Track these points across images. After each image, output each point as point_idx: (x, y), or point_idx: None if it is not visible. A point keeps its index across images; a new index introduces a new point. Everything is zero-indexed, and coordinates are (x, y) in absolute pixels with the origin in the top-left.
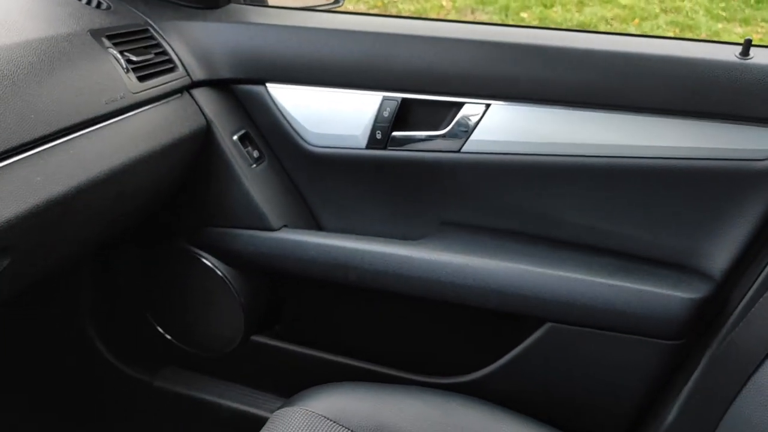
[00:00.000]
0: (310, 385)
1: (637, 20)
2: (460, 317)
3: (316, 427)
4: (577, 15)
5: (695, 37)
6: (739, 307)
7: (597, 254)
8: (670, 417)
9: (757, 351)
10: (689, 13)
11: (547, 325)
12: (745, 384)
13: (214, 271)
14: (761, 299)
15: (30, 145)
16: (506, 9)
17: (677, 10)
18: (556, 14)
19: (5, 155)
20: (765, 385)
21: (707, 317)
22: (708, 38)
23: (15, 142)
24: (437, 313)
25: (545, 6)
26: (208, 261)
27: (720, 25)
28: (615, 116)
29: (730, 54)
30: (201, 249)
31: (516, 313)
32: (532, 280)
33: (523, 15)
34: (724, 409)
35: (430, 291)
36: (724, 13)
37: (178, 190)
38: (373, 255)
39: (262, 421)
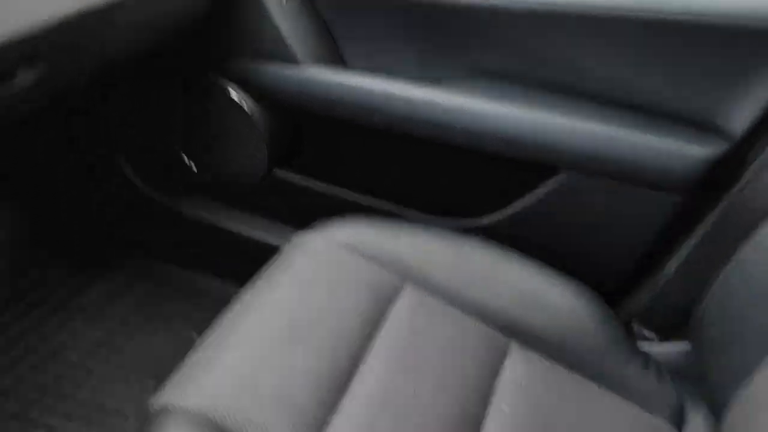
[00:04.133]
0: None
1: None
2: (478, 162)
3: (334, 254)
4: None
5: None
6: (753, 167)
7: (617, 106)
8: (671, 271)
9: (763, 209)
10: None
11: (562, 174)
12: (746, 241)
13: (240, 105)
14: None
15: None
16: None
17: None
18: None
19: None
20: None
21: (721, 175)
22: None
23: None
24: (455, 157)
25: None
26: (234, 94)
27: None
28: None
29: None
30: (229, 81)
31: (532, 159)
32: (551, 127)
33: None
34: (723, 264)
35: (451, 135)
36: None
37: (207, 18)
38: (398, 98)
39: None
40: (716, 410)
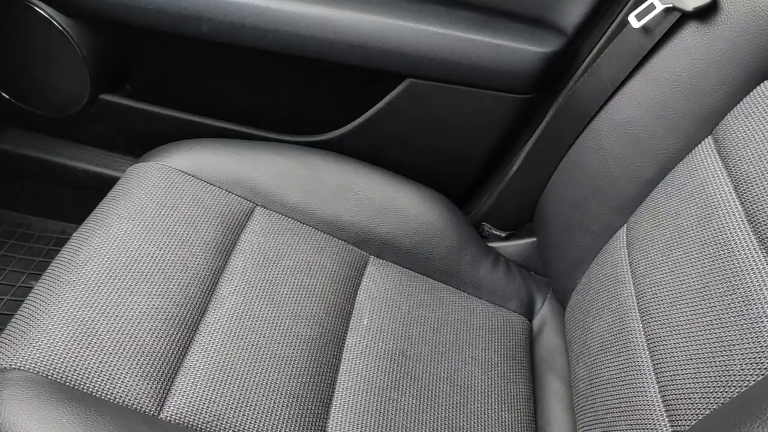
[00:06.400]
0: None
1: None
2: (320, 75)
3: (173, 181)
4: None
5: None
6: (587, 60)
7: (457, 8)
8: (515, 167)
9: (596, 100)
10: None
11: (407, 81)
12: (581, 132)
13: (51, 22)
14: (606, 51)
15: None
16: None
17: None
18: None
19: None
20: (599, 131)
21: (557, 71)
22: None
23: None
24: (297, 71)
25: None
26: (42, 11)
27: None
28: None
29: None
30: None
31: (377, 68)
32: (394, 33)
33: None
34: (561, 155)
35: (289, 45)
36: None
37: None
38: (227, 5)
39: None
40: (562, 297)
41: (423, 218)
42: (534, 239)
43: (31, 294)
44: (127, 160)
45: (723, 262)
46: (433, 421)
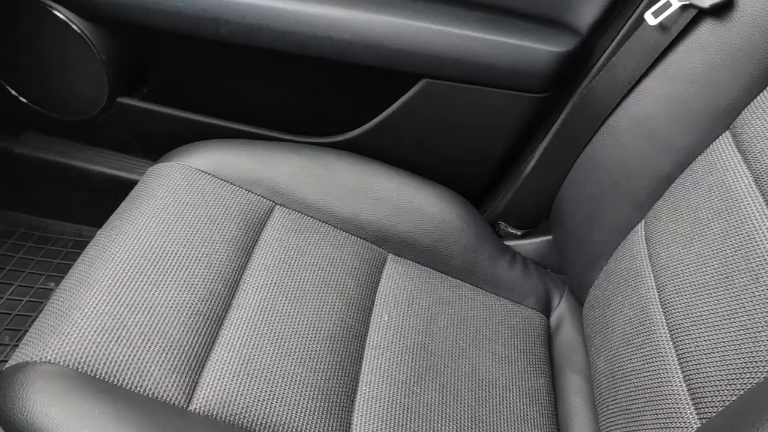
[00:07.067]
0: None
1: None
2: (337, 76)
3: (194, 181)
4: None
5: None
6: (602, 59)
7: (471, 8)
8: (530, 166)
9: (612, 97)
10: None
11: (423, 81)
12: (598, 129)
13: (69, 25)
14: (621, 49)
15: None
16: None
17: None
18: None
19: None
20: (616, 128)
21: (572, 70)
22: None
23: None
24: (314, 72)
25: None
26: (60, 13)
27: None
28: None
29: None
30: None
31: (393, 68)
32: (410, 33)
33: None
34: (578, 153)
35: (306, 46)
36: None
37: None
38: (245, 7)
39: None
40: (579, 293)
41: (440, 217)
42: (550, 237)
43: (58, 289)
44: (144, 163)
45: (746, 253)
46: (456, 415)
